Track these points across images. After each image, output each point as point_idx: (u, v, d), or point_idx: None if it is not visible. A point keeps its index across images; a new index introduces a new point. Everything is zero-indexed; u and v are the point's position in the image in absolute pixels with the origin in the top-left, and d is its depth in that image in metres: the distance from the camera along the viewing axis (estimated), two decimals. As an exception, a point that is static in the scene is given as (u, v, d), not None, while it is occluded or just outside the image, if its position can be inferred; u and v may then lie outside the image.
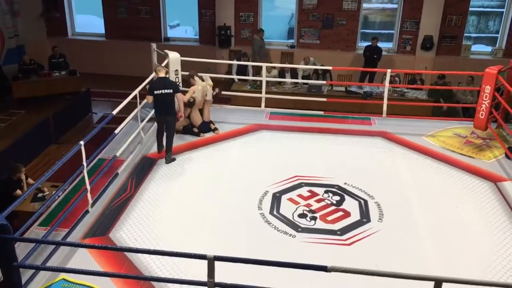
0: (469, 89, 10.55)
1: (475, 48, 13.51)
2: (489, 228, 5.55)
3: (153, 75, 7.60)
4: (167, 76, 7.35)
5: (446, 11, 12.77)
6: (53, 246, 4.86)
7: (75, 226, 5.27)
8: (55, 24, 14.18)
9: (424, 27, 12.91)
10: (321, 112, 8.75)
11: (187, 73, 7.83)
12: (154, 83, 6.95)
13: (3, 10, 13.12)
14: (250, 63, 11.18)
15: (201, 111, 7.79)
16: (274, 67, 11.46)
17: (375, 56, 12.17)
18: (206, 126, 7.75)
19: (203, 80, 7.89)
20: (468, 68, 10.06)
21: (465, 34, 13.25)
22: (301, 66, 11.30)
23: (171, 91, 6.70)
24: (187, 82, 7.91)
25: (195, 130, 7.67)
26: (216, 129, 7.77)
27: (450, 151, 7.34)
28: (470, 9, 13.02)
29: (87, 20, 15.08)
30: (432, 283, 3.46)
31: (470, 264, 4.99)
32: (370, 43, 12.38)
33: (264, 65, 8.83)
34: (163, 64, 8.10)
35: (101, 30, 14.40)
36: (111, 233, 5.28)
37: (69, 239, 5.05)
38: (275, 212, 5.74)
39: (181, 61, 8.13)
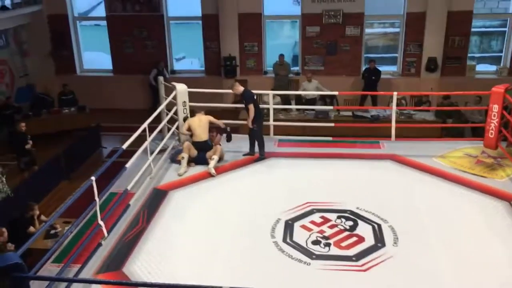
0: (477, 108, 10.56)
1: (480, 68, 13.58)
2: (507, 248, 5.46)
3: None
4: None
5: (448, 32, 12.88)
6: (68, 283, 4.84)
7: (88, 261, 5.25)
8: (63, 62, 14.45)
9: (427, 49, 13.02)
10: (330, 138, 8.75)
11: (195, 104, 7.93)
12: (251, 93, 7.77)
13: (13, 50, 13.42)
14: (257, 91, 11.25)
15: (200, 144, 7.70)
16: (278, 95, 11.47)
17: (373, 77, 12.52)
18: (203, 159, 7.62)
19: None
20: (473, 88, 10.06)
21: (469, 55, 13.33)
22: (304, 93, 11.38)
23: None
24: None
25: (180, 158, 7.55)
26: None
27: (461, 172, 7.29)
28: (472, 29, 13.13)
29: (95, 56, 15.36)
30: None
31: (488, 286, 4.88)
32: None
33: (270, 93, 8.89)
34: (170, 96, 8.24)
35: (109, 66, 14.65)
36: (125, 267, 5.24)
37: (82, 275, 5.02)
38: (288, 240, 5.69)
39: (188, 92, 8.27)
